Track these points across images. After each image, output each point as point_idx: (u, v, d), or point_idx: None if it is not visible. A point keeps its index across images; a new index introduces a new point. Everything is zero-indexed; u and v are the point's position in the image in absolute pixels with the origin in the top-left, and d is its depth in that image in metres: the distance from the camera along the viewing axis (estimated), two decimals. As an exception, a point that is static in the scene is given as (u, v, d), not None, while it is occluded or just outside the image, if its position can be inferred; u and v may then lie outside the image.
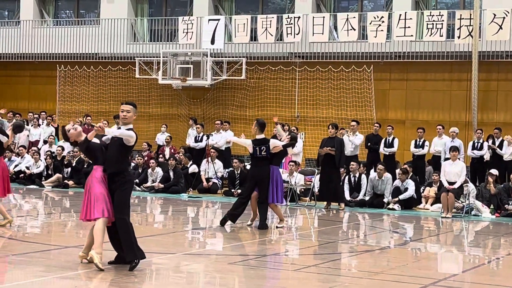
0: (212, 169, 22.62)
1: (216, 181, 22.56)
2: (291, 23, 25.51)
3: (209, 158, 22.74)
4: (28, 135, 25.23)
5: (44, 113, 26.33)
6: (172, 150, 24.49)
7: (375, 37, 24.45)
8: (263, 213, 14.64)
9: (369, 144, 22.30)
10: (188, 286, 9.62)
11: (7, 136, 13.74)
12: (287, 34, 25.66)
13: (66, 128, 10.04)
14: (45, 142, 24.97)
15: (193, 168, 22.89)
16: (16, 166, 23.43)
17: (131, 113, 9.91)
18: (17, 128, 14.14)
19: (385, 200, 19.80)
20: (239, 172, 21.89)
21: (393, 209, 19.38)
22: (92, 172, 9.88)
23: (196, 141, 23.99)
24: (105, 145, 9.94)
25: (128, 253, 9.70)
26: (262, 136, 14.71)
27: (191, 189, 22.38)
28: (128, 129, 9.82)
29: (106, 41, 28.72)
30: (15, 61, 30.64)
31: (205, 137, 23.66)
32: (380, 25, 24.32)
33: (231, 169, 22.39)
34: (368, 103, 25.12)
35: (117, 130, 9.84)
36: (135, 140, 9.80)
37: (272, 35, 25.86)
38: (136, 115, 10.10)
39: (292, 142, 15.35)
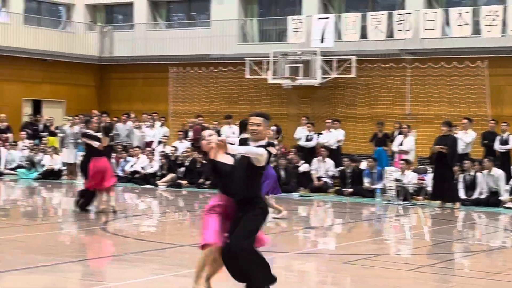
0: (323, 168, 22.57)
1: (327, 180, 22.49)
2: (402, 20, 25.18)
3: (320, 157, 22.71)
4: (143, 136, 25.81)
5: (156, 114, 26.84)
6: (283, 150, 24.55)
7: (490, 31, 23.86)
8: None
9: (485, 141, 21.72)
10: (300, 285, 9.61)
11: (99, 140, 15.08)
12: (398, 30, 25.34)
13: (202, 134, 8.34)
14: (159, 142, 25.47)
15: (304, 167, 22.90)
16: (131, 166, 24.01)
17: (262, 127, 7.99)
18: (106, 130, 15.68)
19: (501, 198, 19.25)
20: (350, 171, 21.74)
21: (509, 208, 18.84)
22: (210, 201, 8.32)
23: (306, 140, 23.99)
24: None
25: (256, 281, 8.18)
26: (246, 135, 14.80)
27: (303, 188, 22.39)
28: (259, 146, 7.89)
29: (217, 42, 29.09)
30: (129, 64, 31.44)
31: (315, 136, 23.65)
32: (494, 19, 23.72)
33: (342, 167, 22.28)
34: (482, 99, 24.52)
35: (243, 147, 7.94)
36: (265, 159, 7.85)
37: (382, 32, 25.61)
38: (268, 128, 8.20)
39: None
